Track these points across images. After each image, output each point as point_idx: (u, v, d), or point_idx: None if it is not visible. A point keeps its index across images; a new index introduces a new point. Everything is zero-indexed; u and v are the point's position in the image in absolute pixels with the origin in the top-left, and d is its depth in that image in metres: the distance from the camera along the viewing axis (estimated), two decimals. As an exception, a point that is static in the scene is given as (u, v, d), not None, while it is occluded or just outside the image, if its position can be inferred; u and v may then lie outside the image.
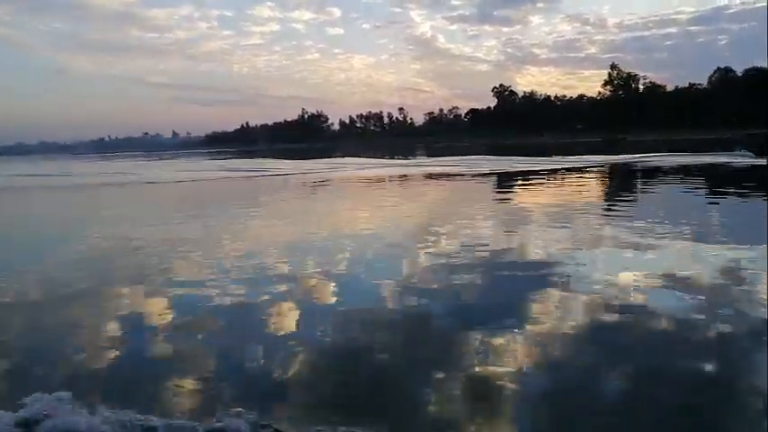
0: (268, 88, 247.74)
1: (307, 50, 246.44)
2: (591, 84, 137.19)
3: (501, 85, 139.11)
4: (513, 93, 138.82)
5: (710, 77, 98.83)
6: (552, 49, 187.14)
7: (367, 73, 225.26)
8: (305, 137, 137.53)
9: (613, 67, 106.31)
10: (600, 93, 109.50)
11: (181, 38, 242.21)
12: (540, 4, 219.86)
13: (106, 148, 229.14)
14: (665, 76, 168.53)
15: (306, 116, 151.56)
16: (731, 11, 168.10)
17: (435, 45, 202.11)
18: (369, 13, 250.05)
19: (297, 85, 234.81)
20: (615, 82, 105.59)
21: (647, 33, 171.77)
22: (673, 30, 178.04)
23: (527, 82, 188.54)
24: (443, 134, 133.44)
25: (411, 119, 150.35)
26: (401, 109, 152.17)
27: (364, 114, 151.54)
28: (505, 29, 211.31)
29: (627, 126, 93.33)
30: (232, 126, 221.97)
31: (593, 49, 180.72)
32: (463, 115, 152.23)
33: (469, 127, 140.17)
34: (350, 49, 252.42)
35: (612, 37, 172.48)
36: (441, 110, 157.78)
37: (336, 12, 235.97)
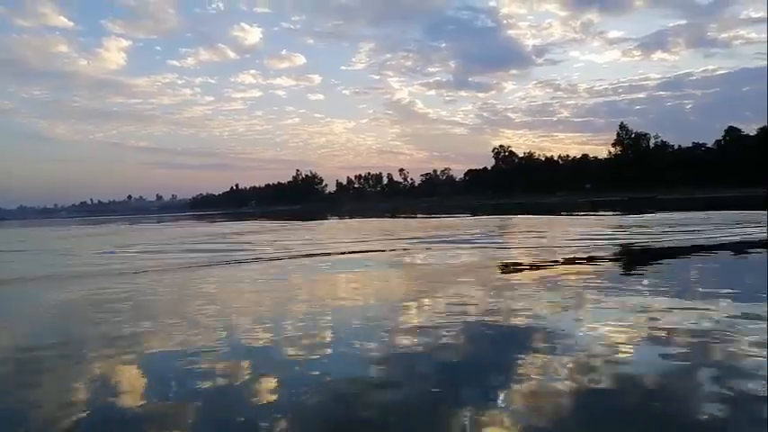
0: (251, 152, 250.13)
1: (288, 115, 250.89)
2: (564, 146, 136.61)
3: (501, 146, 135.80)
4: (512, 153, 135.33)
5: (723, 138, 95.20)
6: (526, 113, 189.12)
7: (347, 137, 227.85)
8: (300, 198, 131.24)
9: (622, 126, 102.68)
10: (611, 152, 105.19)
11: (164, 103, 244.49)
12: (513, 71, 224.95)
13: (88, 211, 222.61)
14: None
15: (300, 177, 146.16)
16: (693, 78, 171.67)
17: (413, 110, 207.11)
18: (348, 80, 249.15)
19: (278, 148, 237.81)
20: (625, 141, 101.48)
21: (617, 98, 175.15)
22: (641, 95, 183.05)
23: (503, 144, 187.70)
24: (442, 195, 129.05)
25: (412, 179, 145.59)
26: (401, 170, 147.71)
27: (363, 175, 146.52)
28: (480, 94, 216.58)
29: (637, 184, 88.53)
30: (219, 188, 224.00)
31: (565, 113, 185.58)
32: (459, 176, 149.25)
33: (467, 187, 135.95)
34: (330, 114, 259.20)
35: (583, 101, 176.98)
36: (434, 171, 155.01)
37: (317, 78, 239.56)
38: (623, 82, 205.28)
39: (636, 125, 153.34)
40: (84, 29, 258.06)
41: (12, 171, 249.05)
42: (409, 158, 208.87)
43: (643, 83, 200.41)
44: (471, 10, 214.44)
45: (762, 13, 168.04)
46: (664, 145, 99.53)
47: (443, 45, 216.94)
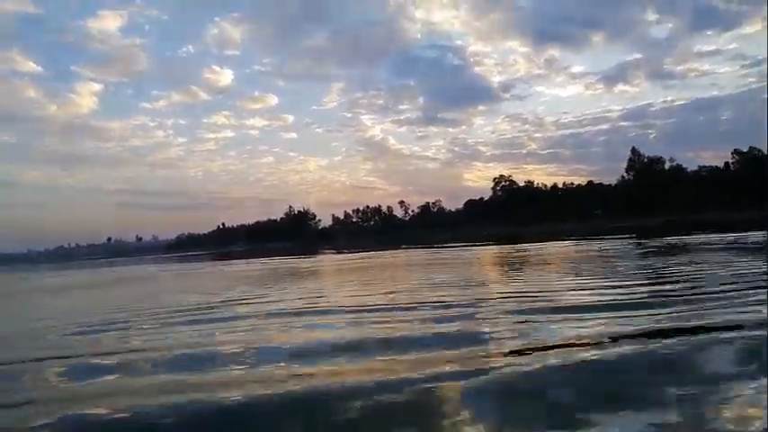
0: (225, 191, 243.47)
1: (262, 154, 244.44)
2: (536, 177, 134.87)
3: (501, 176, 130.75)
4: (513, 182, 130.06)
5: (737, 160, 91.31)
6: (496, 146, 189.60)
7: (321, 174, 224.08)
8: (293, 234, 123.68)
9: (634, 151, 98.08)
10: (624, 177, 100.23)
11: (137, 145, 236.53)
12: (480, 107, 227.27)
13: (65, 256, 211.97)
14: (606, 167, 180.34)
15: (293, 213, 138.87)
16: (654, 108, 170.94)
17: (386, 146, 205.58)
18: (321, 119, 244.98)
19: (253, 187, 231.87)
20: (637, 166, 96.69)
21: (581, 130, 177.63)
22: (605, 126, 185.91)
23: (475, 177, 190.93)
24: (441, 227, 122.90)
25: (413, 211, 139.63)
26: (402, 202, 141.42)
27: (360, 209, 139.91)
28: (451, 129, 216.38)
29: (653, 209, 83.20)
30: (199, 228, 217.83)
31: (533, 146, 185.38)
32: (448, 208, 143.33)
33: (467, 217, 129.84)
34: (304, 152, 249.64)
35: (550, 134, 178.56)
36: (428, 203, 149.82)
37: (290, 118, 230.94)
38: (587, 114, 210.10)
39: (599, 156, 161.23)
40: (54, 73, 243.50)
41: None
42: (383, 193, 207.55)
43: (606, 114, 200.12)
44: (438, 48, 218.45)
45: (713, 47, 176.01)
46: (679, 168, 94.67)
47: (412, 83, 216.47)
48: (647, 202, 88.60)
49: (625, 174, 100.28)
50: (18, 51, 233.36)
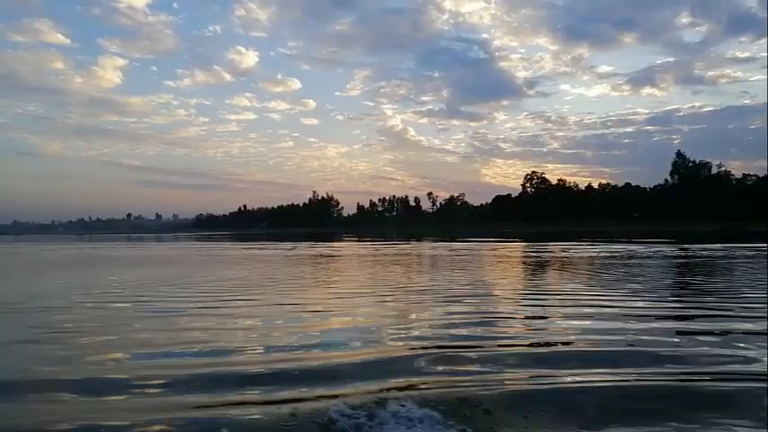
0: (244, 174, 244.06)
1: (281, 138, 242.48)
2: (554, 176, 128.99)
3: (533, 173, 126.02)
4: (545, 180, 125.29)
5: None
6: (517, 143, 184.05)
7: (340, 161, 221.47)
8: (316, 221, 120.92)
9: (679, 155, 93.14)
10: (667, 180, 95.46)
11: (158, 123, 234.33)
12: (504, 102, 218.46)
13: (87, 228, 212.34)
14: (628, 171, 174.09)
15: (317, 199, 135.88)
16: (681, 114, 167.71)
17: (406, 137, 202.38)
18: (342, 106, 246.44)
19: (271, 170, 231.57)
20: (681, 170, 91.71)
21: (605, 131, 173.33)
22: (629, 129, 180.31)
23: (493, 173, 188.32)
24: (465, 221, 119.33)
25: (441, 203, 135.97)
26: (430, 194, 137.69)
27: (386, 198, 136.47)
28: (472, 123, 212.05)
29: (700, 215, 78.42)
30: (216, 209, 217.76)
31: (555, 145, 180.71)
32: (481, 203, 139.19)
33: (495, 213, 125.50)
34: (324, 139, 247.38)
35: (573, 134, 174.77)
36: (452, 196, 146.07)
37: (312, 103, 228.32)
38: (612, 116, 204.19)
39: (622, 159, 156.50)
40: (81, 46, 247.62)
41: (4, 186, 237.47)
42: (401, 184, 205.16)
43: (631, 117, 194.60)
44: (464, 41, 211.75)
45: (747, 53, 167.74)
46: (727, 174, 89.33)
47: (436, 74, 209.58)
48: (695, 207, 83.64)
49: (669, 177, 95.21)
50: (47, 23, 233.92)
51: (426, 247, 28.56)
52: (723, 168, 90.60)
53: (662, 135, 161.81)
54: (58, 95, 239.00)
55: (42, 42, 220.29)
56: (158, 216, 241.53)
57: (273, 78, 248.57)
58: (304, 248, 29.60)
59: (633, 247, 24.37)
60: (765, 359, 4.41)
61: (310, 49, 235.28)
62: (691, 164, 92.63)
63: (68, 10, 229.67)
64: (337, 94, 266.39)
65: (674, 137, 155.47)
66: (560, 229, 71.93)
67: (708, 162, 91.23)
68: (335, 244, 37.28)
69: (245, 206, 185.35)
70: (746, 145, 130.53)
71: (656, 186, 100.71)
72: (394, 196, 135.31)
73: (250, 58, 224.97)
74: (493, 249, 24.85)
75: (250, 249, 30.29)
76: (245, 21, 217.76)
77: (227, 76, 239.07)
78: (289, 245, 35.47)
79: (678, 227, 67.82)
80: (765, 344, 4.92)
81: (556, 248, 24.11)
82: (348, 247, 30.60)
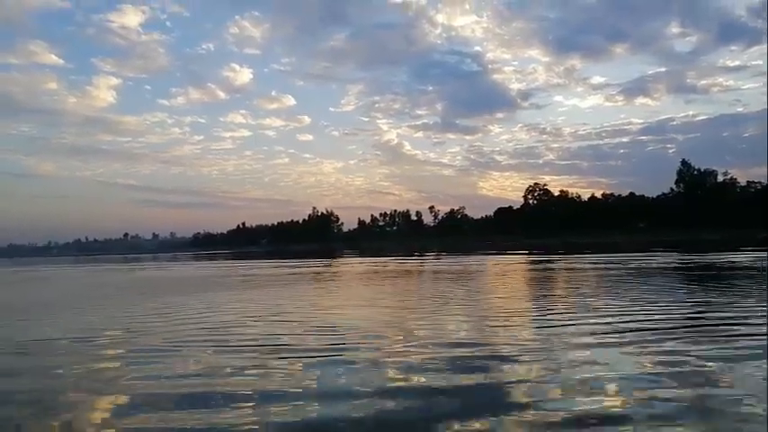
0: (239, 191, 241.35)
1: (277, 155, 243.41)
2: (551, 188, 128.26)
3: (536, 184, 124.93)
4: (547, 191, 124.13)
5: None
6: (512, 155, 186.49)
7: (336, 177, 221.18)
8: (316, 237, 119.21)
9: (684, 163, 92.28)
10: (673, 189, 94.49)
11: (153, 142, 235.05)
12: (498, 114, 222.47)
13: (83, 249, 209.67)
14: (624, 181, 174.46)
15: (316, 215, 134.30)
16: (675, 123, 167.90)
17: (402, 151, 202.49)
18: (337, 121, 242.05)
19: (268, 187, 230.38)
20: (687, 179, 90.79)
21: (600, 142, 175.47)
22: (624, 139, 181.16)
23: (491, 186, 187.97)
24: (466, 234, 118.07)
25: (442, 217, 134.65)
26: (431, 207, 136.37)
27: (388, 213, 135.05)
28: (468, 136, 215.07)
29: (700, 223, 77.29)
30: (213, 227, 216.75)
31: (551, 156, 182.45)
32: (480, 215, 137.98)
33: (496, 226, 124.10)
34: (319, 154, 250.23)
35: (568, 145, 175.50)
36: (452, 209, 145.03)
37: (306, 119, 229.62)
38: (606, 126, 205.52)
39: (618, 170, 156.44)
40: (75, 66, 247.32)
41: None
42: (398, 198, 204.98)
43: (626, 127, 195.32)
44: (457, 54, 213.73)
45: (738, 62, 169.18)
46: (732, 182, 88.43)
47: (430, 88, 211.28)
48: (701, 215, 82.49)
49: (674, 186, 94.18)
50: (41, 44, 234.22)
51: (465, 263, 27.26)
52: (729, 176, 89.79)
53: (657, 144, 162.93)
54: (52, 116, 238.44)
55: (36, 63, 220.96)
56: (155, 235, 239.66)
57: (268, 95, 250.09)
58: (349, 265, 28.54)
59: (680, 257, 23.04)
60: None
61: (304, 65, 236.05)
62: (696, 172, 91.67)
63: (62, 30, 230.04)
64: (332, 109, 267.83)
65: (669, 146, 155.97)
66: (566, 240, 70.63)
67: (714, 170, 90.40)
68: (367, 259, 36.27)
69: (243, 224, 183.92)
70: (741, 153, 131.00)
71: (659, 196, 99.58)
72: (395, 210, 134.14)
73: (244, 76, 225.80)
74: (533, 264, 23.45)
75: (280, 268, 29.09)
76: (239, 38, 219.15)
77: (222, 94, 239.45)
78: (320, 261, 34.45)
79: (687, 236, 66.65)
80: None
81: (614, 262, 22.74)
82: (389, 262, 29.43)
